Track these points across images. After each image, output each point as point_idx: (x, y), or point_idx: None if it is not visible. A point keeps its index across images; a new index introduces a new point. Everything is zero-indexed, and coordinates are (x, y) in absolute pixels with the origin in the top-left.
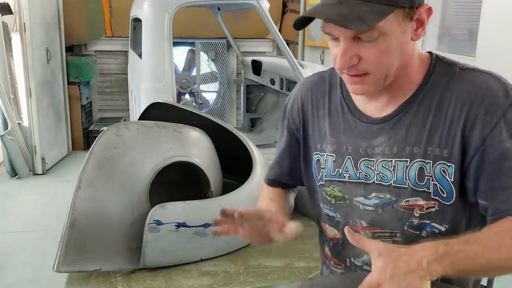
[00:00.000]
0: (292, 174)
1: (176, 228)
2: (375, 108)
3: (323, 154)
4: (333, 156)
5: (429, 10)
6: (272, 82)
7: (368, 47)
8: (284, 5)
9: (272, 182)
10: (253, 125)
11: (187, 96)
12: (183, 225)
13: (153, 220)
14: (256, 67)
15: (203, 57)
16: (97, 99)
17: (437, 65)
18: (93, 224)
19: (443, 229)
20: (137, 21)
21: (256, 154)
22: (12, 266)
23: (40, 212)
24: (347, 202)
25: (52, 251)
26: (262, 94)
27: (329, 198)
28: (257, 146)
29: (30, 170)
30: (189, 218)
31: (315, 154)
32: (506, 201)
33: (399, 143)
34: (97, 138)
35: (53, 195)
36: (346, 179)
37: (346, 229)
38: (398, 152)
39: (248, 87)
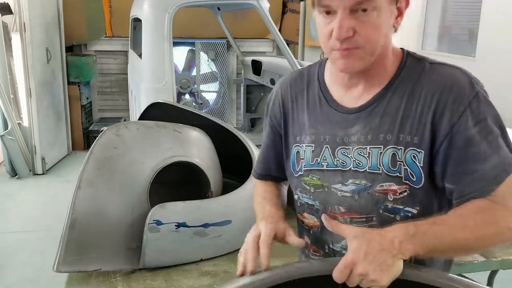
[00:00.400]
0: (279, 168)
1: (176, 228)
2: (350, 98)
3: (302, 145)
4: (312, 146)
5: (407, 2)
6: (272, 82)
7: (363, 21)
8: (284, 5)
9: (262, 176)
10: (253, 125)
11: (187, 96)
12: (183, 225)
13: (153, 220)
14: (256, 67)
15: (203, 57)
16: (97, 99)
17: (408, 59)
18: (93, 224)
19: (415, 211)
20: (137, 21)
21: (256, 154)
22: (12, 266)
23: (40, 212)
24: (326, 189)
25: (52, 251)
26: (262, 94)
27: (308, 187)
28: (257, 146)
29: (30, 170)
30: (189, 218)
31: (294, 146)
32: (470, 185)
33: (373, 131)
34: (97, 138)
35: (53, 195)
36: (324, 168)
37: (323, 217)
38: (373, 139)
39: (248, 87)
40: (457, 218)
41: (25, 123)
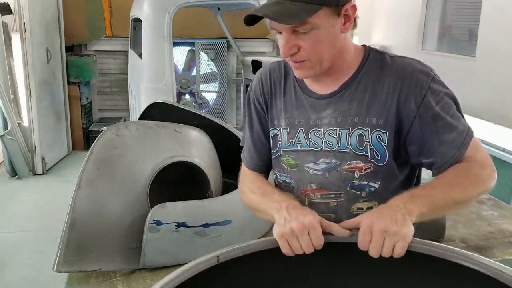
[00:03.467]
0: (270, 157)
1: (176, 228)
2: (322, 87)
3: (279, 129)
4: (287, 129)
5: (354, 8)
6: None
7: (304, 39)
8: None
9: (257, 167)
10: None
11: (187, 96)
12: (183, 225)
13: (153, 220)
14: (256, 67)
15: (203, 57)
16: (97, 99)
17: (371, 53)
18: (93, 224)
19: (376, 185)
20: (137, 21)
21: None
22: (12, 266)
23: (40, 212)
24: (299, 168)
25: (52, 251)
26: None
27: (285, 167)
28: None
29: (30, 170)
30: (189, 218)
31: (272, 129)
32: (445, 154)
33: (342, 114)
34: (97, 138)
35: (53, 195)
36: (299, 148)
37: (341, 224)
38: (342, 122)
39: (248, 87)
40: (443, 180)
41: (25, 123)
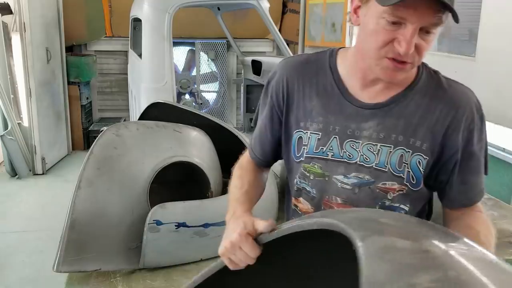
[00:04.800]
0: (274, 153)
1: (176, 228)
2: (368, 95)
3: (307, 132)
4: (319, 134)
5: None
6: None
7: (425, 40)
8: (284, 5)
9: (257, 158)
10: (253, 125)
11: (187, 96)
12: (183, 225)
13: (153, 220)
14: (256, 67)
15: (203, 57)
16: (97, 99)
17: (425, 69)
18: (93, 224)
19: (406, 208)
20: (137, 21)
21: None
22: (12, 266)
23: (40, 212)
24: (326, 179)
25: (52, 251)
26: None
27: (308, 174)
28: None
29: (30, 170)
30: (189, 218)
31: (297, 131)
32: (463, 193)
33: (387, 129)
34: (97, 138)
35: (53, 195)
36: (329, 157)
37: None
38: (384, 138)
39: (248, 87)
40: (485, 234)
41: (25, 123)
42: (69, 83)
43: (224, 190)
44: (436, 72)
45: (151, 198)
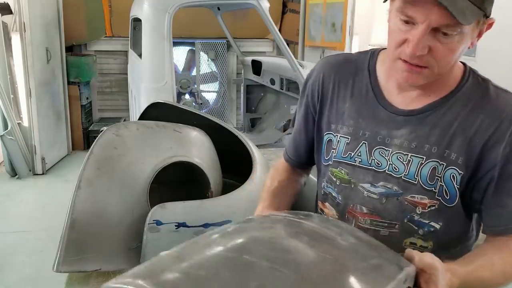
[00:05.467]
0: (308, 154)
1: (176, 228)
2: (402, 100)
3: (336, 135)
4: (348, 138)
5: (490, 25)
6: (272, 82)
7: (442, 42)
8: (284, 5)
9: (291, 160)
10: (253, 125)
11: (187, 96)
12: (183, 225)
13: (153, 220)
14: (256, 67)
15: (203, 57)
16: (97, 99)
17: (471, 76)
18: (93, 224)
19: (438, 226)
20: (137, 21)
21: (256, 154)
22: (12, 266)
23: (40, 212)
24: (352, 186)
25: (52, 251)
26: (262, 94)
27: (335, 179)
28: (257, 146)
29: (30, 170)
30: (189, 218)
31: (327, 133)
32: (497, 217)
33: (420, 139)
34: (97, 138)
35: (53, 195)
36: (357, 164)
37: (406, 252)
38: (417, 147)
39: (248, 87)
40: (501, 263)
41: (25, 123)
42: (69, 83)
43: (224, 190)
44: (485, 80)
45: (151, 198)
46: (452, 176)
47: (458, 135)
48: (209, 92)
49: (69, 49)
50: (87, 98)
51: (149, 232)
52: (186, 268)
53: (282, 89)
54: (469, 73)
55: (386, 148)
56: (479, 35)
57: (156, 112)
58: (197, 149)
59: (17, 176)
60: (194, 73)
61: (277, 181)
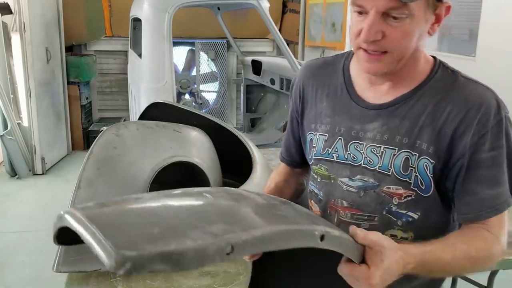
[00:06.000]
0: (300, 154)
1: None
2: (374, 95)
3: (316, 134)
4: (325, 136)
5: (448, 8)
6: (272, 82)
7: (393, 26)
8: (284, 5)
9: (285, 160)
10: (253, 125)
11: (187, 96)
12: None
13: None
14: (256, 67)
15: (203, 57)
16: (97, 99)
17: (440, 69)
18: None
19: (416, 216)
20: (137, 21)
21: (256, 154)
22: (12, 266)
23: (40, 212)
24: (332, 181)
25: (52, 251)
26: (262, 94)
27: (316, 176)
28: (257, 146)
29: (30, 170)
30: None
31: (309, 133)
32: (467, 205)
33: (391, 131)
34: (97, 138)
35: (53, 195)
36: (334, 159)
37: (351, 229)
38: (388, 139)
39: (248, 87)
40: (463, 247)
41: (25, 123)
42: (69, 83)
43: None
44: (454, 72)
45: None
46: (425, 165)
47: (427, 126)
48: (209, 92)
49: (69, 49)
50: (87, 98)
51: None
52: (115, 208)
53: (282, 89)
54: (438, 65)
55: (361, 142)
56: (438, 20)
57: (156, 112)
58: (197, 149)
59: (17, 176)
60: (194, 73)
61: (274, 183)
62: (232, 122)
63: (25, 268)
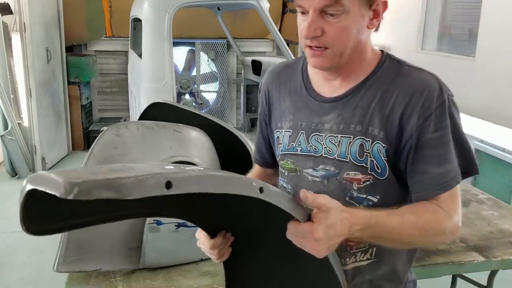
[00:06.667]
0: (272, 155)
1: (176, 228)
2: (328, 89)
3: (282, 131)
4: (290, 131)
5: (385, 4)
6: None
7: (331, 23)
8: (284, 5)
9: (259, 161)
10: (253, 125)
11: (187, 96)
12: (183, 225)
13: (153, 220)
14: (256, 67)
15: (203, 57)
16: (97, 99)
17: (387, 60)
18: None
19: (375, 200)
20: (137, 21)
21: None
22: (12, 266)
23: None
24: (298, 174)
25: (52, 251)
26: None
27: (283, 171)
28: None
29: (30, 170)
30: None
31: (276, 131)
32: (418, 184)
33: (345, 120)
34: (97, 138)
35: None
36: (298, 152)
37: (301, 192)
38: (344, 129)
39: (248, 87)
40: (411, 217)
41: (25, 123)
42: (69, 83)
43: None
44: (400, 62)
45: None
46: (378, 150)
47: (377, 112)
48: (209, 92)
49: (69, 49)
50: (87, 98)
51: (149, 232)
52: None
53: None
54: (385, 57)
55: (320, 134)
56: (376, 15)
57: (156, 112)
58: (197, 149)
59: (17, 176)
60: (194, 73)
61: None
62: (232, 122)
63: (25, 268)
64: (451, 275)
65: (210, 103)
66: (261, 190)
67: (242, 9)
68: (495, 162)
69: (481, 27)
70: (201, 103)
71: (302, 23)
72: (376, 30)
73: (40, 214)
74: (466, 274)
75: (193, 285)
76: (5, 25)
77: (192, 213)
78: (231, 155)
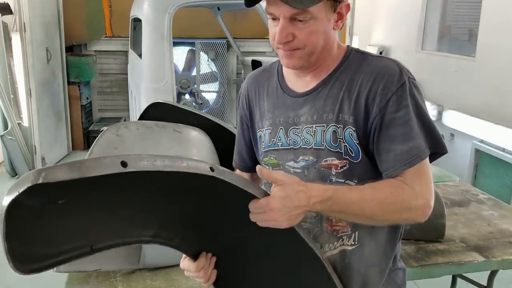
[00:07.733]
0: (252, 158)
1: None
2: (301, 85)
3: (263, 129)
4: (270, 129)
5: (348, 7)
6: None
7: (300, 28)
8: None
9: (239, 166)
10: None
11: (187, 96)
12: None
13: None
14: (256, 67)
15: (203, 57)
16: (97, 99)
17: (352, 53)
18: None
19: (353, 184)
20: (137, 21)
21: None
22: None
23: None
24: (281, 168)
25: None
26: None
27: (268, 167)
28: None
29: (30, 170)
30: None
31: (258, 131)
32: (385, 162)
33: (318, 111)
34: (97, 138)
35: None
36: (279, 147)
37: (257, 168)
38: (317, 119)
39: None
40: (371, 191)
41: (25, 123)
42: (69, 83)
43: None
44: (364, 53)
45: None
46: (350, 134)
47: (345, 100)
48: (209, 92)
49: (69, 49)
50: (87, 98)
51: None
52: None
53: None
54: (350, 51)
55: (297, 127)
56: (340, 17)
57: (156, 112)
58: (197, 149)
59: (17, 176)
60: (194, 73)
61: None
62: (232, 122)
63: None
64: (451, 275)
65: (210, 103)
66: (211, 169)
67: (242, 9)
68: (495, 162)
69: (481, 27)
70: (201, 103)
71: (274, 28)
72: (341, 29)
73: (24, 240)
74: (466, 274)
75: (193, 285)
76: (5, 25)
77: (168, 231)
78: (231, 155)
